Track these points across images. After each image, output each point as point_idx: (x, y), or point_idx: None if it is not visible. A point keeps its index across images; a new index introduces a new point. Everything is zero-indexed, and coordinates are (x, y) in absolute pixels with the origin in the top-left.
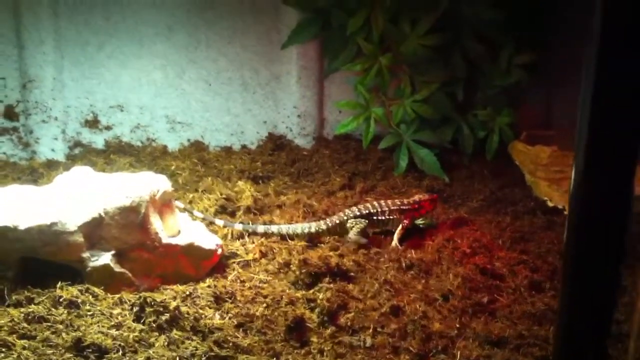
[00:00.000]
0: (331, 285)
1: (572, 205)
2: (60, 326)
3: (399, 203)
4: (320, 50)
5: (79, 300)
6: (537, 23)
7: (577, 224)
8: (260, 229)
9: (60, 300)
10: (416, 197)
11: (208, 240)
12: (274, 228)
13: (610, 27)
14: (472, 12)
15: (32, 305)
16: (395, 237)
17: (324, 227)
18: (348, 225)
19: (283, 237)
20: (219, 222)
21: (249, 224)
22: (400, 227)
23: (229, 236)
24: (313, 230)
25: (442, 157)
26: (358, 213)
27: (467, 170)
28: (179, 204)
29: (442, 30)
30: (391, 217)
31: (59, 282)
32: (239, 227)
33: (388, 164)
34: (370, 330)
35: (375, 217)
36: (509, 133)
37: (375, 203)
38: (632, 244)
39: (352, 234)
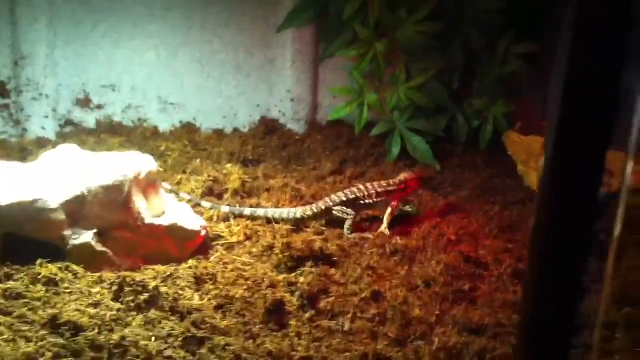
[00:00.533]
0: (313, 270)
1: (541, 193)
2: (38, 303)
3: (385, 184)
4: (316, 35)
5: (58, 278)
6: (537, 13)
7: (546, 211)
8: (247, 211)
9: (39, 277)
10: (402, 177)
11: (193, 222)
12: (260, 211)
13: (582, 19)
14: (472, 1)
15: (11, 282)
16: (385, 221)
17: (309, 212)
18: (334, 212)
19: (269, 221)
20: (206, 204)
21: (235, 206)
22: (388, 210)
23: (215, 218)
24: (299, 215)
25: (435, 146)
26: (345, 198)
27: (459, 159)
28: (166, 185)
29: (440, 18)
30: (378, 199)
31: (39, 260)
32: (225, 209)
33: (380, 151)
34: (350, 315)
35: (362, 201)
36: (503, 123)
37: (361, 187)
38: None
39: (346, 231)
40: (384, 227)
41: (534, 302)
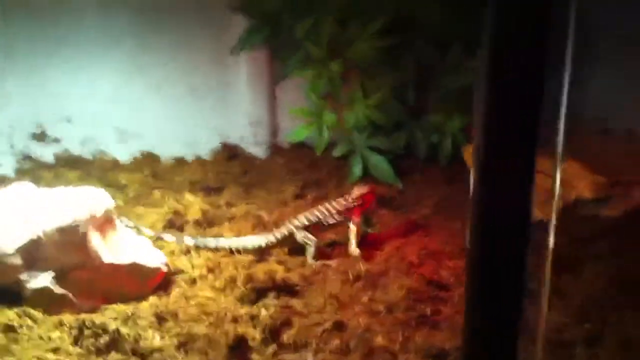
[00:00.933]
0: (276, 301)
1: (473, 208)
2: None
3: (343, 202)
4: (270, 56)
5: (16, 324)
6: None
7: (478, 227)
8: (211, 243)
9: None
10: (356, 192)
11: (152, 258)
12: (224, 242)
13: (502, 28)
14: (422, 14)
15: None
16: (352, 240)
17: (273, 239)
18: (297, 237)
19: (232, 252)
20: (170, 238)
21: (197, 238)
22: (353, 229)
23: (176, 251)
24: (263, 244)
25: (396, 163)
26: (306, 222)
27: (420, 175)
28: (127, 221)
29: (391, 33)
30: (339, 218)
31: None
32: (189, 242)
33: (343, 171)
34: (313, 347)
35: (324, 223)
36: (460, 137)
37: (321, 208)
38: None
39: (309, 258)
40: (353, 248)
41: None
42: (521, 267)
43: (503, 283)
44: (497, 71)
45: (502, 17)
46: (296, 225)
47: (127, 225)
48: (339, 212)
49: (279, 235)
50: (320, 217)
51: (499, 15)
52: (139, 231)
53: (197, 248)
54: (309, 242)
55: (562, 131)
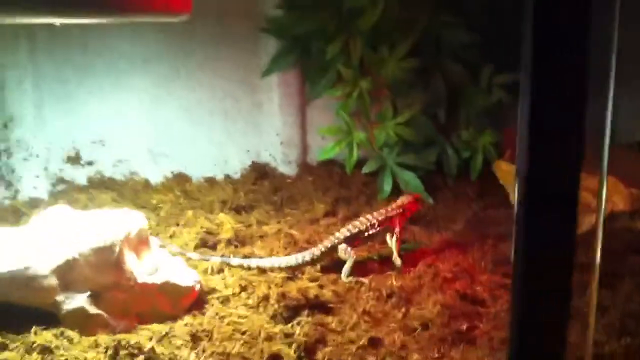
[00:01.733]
0: (309, 319)
1: (517, 230)
2: None
3: (384, 212)
4: (301, 77)
5: (53, 345)
6: (515, 43)
7: (524, 246)
8: (253, 263)
9: (34, 345)
10: (399, 202)
11: (186, 277)
12: (266, 262)
13: (541, 58)
14: (450, 35)
15: (6, 352)
16: (394, 249)
17: (317, 253)
18: (339, 250)
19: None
20: (215, 259)
21: (238, 258)
22: (394, 238)
23: (209, 270)
24: (308, 258)
25: (427, 179)
26: (348, 234)
27: (451, 191)
28: (158, 240)
29: (420, 54)
30: (380, 228)
31: (33, 327)
32: (235, 262)
33: (372, 188)
34: None
35: (366, 233)
36: (492, 152)
37: (362, 219)
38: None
39: (344, 276)
40: (394, 257)
41: (520, 337)
42: (567, 288)
43: (549, 303)
44: (540, 91)
45: (542, 38)
46: (339, 237)
47: (174, 253)
48: (380, 222)
49: (323, 249)
50: (362, 228)
51: (538, 36)
52: (185, 256)
53: (245, 268)
54: (348, 256)
55: (607, 149)
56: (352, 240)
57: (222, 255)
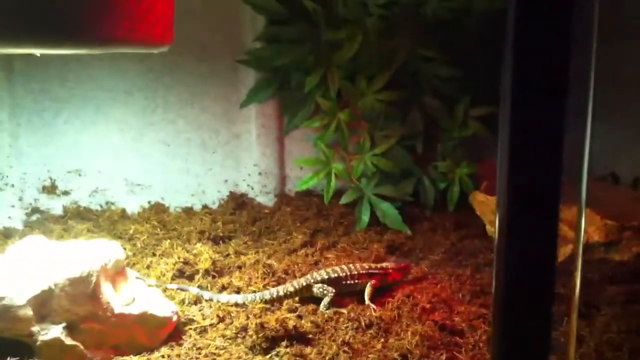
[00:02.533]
0: (288, 350)
1: (498, 257)
2: None
3: (367, 267)
4: (279, 109)
5: None
6: (491, 76)
7: (504, 278)
8: (231, 298)
9: None
10: (385, 264)
11: (163, 308)
12: (238, 298)
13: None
14: (428, 69)
15: None
16: (367, 296)
17: (291, 289)
18: (314, 289)
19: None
20: (202, 292)
21: (217, 294)
22: (368, 289)
23: (186, 301)
24: (282, 293)
25: (404, 210)
26: (326, 277)
27: (429, 222)
28: (135, 273)
29: (398, 87)
30: (359, 280)
31: (8, 358)
32: (223, 299)
33: (350, 219)
34: None
35: (344, 282)
36: (469, 183)
37: (344, 267)
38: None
39: (323, 307)
40: (367, 302)
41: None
42: (547, 316)
43: (529, 333)
44: (519, 121)
45: (521, 70)
46: (316, 278)
47: (137, 277)
48: (360, 275)
49: (297, 285)
50: (341, 275)
51: (517, 69)
52: (159, 286)
53: (217, 303)
54: (327, 292)
55: (584, 181)
56: (329, 285)
57: (199, 287)
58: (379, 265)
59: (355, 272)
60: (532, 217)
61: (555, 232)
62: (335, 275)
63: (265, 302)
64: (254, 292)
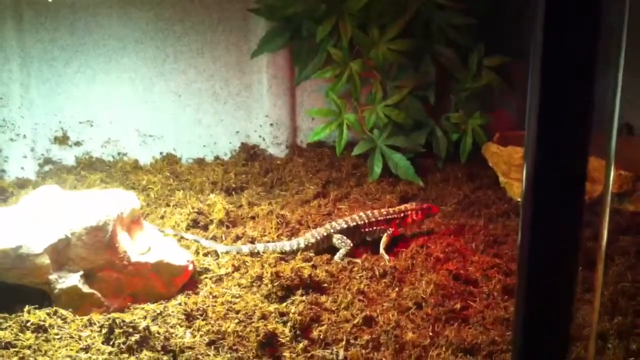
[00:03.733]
0: (304, 298)
1: (525, 204)
2: (28, 351)
3: (385, 212)
4: (290, 59)
5: (47, 324)
6: (505, 25)
7: (531, 223)
8: (245, 249)
9: (28, 324)
10: (402, 207)
11: (179, 257)
12: (260, 247)
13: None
14: (441, 18)
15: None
16: (382, 246)
17: (312, 240)
18: (334, 239)
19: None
20: (223, 247)
21: (235, 246)
22: (384, 239)
23: (201, 251)
24: (302, 245)
25: (416, 162)
26: (345, 225)
27: (441, 173)
28: (168, 231)
29: (411, 36)
30: (378, 227)
31: (27, 306)
32: (245, 249)
33: (362, 170)
34: (343, 343)
35: (362, 229)
36: (482, 135)
37: (362, 214)
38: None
39: (338, 257)
40: (381, 252)
41: (525, 317)
42: (573, 271)
43: (555, 286)
44: (549, 77)
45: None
46: (335, 227)
47: (178, 237)
48: (378, 222)
49: (318, 236)
50: (360, 223)
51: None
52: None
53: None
54: (345, 244)
55: (614, 137)
56: (348, 234)
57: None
58: (396, 209)
59: (374, 219)
60: (560, 175)
61: (583, 190)
62: (354, 223)
63: (285, 253)
64: (269, 242)
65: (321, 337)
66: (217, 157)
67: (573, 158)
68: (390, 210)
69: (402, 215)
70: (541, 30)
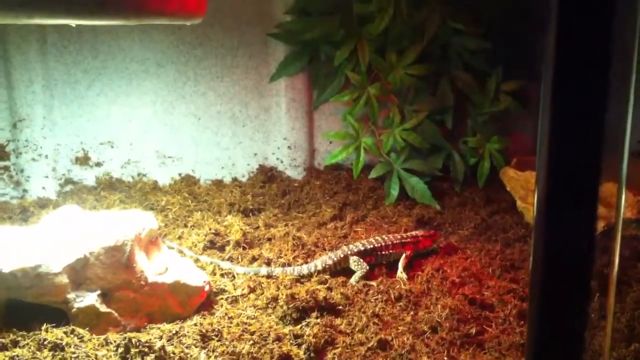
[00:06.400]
0: (318, 320)
1: (536, 230)
2: None
3: (400, 237)
4: (309, 82)
5: (64, 343)
6: (523, 50)
7: (542, 249)
8: (264, 271)
9: (45, 342)
10: (415, 232)
11: (195, 277)
12: (278, 271)
13: (565, 58)
14: (459, 42)
15: (17, 349)
16: (400, 266)
17: (330, 262)
18: (351, 261)
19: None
20: (241, 269)
21: (253, 268)
22: (403, 257)
23: (217, 272)
24: (320, 267)
25: (433, 185)
26: (362, 248)
27: (458, 197)
28: (187, 251)
29: (428, 60)
30: (393, 250)
31: (44, 325)
32: (263, 272)
33: (379, 193)
34: None
35: (379, 252)
36: (499, 159)
37: (378, 238)
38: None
39: (354, 280)
40: (399, 272)
41: (537, 343)
42: (586, 295)
43: (567, 311)
44: (561, 98)
45: (564, 45)
46: (352, 250)
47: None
48: (394, 246)
49: (335, 258)
50: (377, 246)
51: (560, 45)
52: (217, 265)
53: (258, 277)
54: (361, 267)
55: (626, 159)
56: (365, 256)
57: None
58: (409, 234)
59: (390, 243)
60: (571, 196)
61: (595, 211)
62: (371, 246)
63: (302, 277)
64: (287, 265)
65: (335, 359)
66: (235, 179)
67: (584, 182)
68: (404, 235)
69: (415, 240)
70: (553, 51)
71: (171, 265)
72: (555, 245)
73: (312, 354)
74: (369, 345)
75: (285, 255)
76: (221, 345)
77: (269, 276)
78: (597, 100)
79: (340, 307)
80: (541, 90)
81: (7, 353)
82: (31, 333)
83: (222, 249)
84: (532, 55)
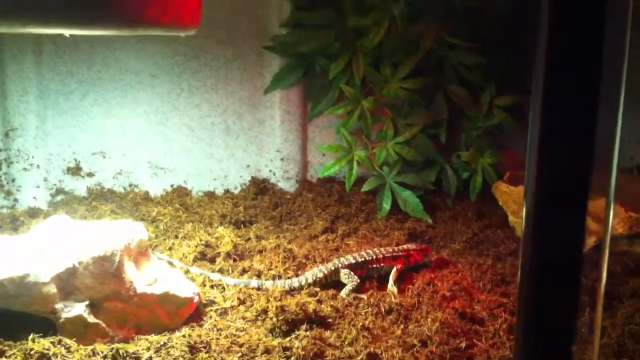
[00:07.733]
0: (308, 333)
1: (524, 245)
2: None
3: (391, 250)
4: (303, 95)
5: (51, 353)
6: (517, 65)
7: (530, 264)
8: (254, 283)
9: (32, 352)
10: (406, 246)
11: (185, 288)
12: (268, 284)
13: (555, 72)
14: (454, 57)
15: (3, 359)
16: (391, 279)
17: (320, 275)
18: (342, 274)
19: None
20: (230, 280)
21: (243, 280)
22: (394, 270)
23: (207, 284)
24: (310, 280)
25: (426, 199)
26: (353, 261)
27: (450, 211)
28: (178, 263)
29: (423, 74)
30: (384, 264)
31: (31, 334)
32: (254, 284)
33: (371, 207)
34: None
35: (370, 265)
36: (492, 173)
37: (369, 251)
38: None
39: (344, 293)
40: (390, 285)
41: (525, 357)
42: (573, 309)
43: (555, 324)
44: (550, 113)
45: (554, 60)
46: (343, 263)
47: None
48: (385, 259)
49: (325, 271)
50: (368, 259)
51: (550, 58)
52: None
53: (248, 289)
54: (352, 280)
55: (614, 174)
56: (356, 269)
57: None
58: (400, 248)
59: (381, 256)
60: (560, 210)
61: (583, 224)
62: (362, 259)
63: (293, 289)
64: (278, 277)
65: None
66: (227, 191)
67: (573, 195)
68: (396, 248)
69: (406, 254)
70: (543, 64)
71: (161, 276)
72: (542, 259)
73: None
74: (358, 359)
75: (276, 267)
76: (209, 357)
77: (259, 288)
78: (587, 111)
79: (330, 320)
80: (531, 102)
81: None
82: (18, 343)
83: (212, 260)
84: (526, 71)
